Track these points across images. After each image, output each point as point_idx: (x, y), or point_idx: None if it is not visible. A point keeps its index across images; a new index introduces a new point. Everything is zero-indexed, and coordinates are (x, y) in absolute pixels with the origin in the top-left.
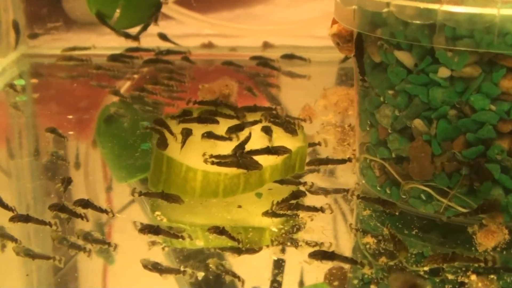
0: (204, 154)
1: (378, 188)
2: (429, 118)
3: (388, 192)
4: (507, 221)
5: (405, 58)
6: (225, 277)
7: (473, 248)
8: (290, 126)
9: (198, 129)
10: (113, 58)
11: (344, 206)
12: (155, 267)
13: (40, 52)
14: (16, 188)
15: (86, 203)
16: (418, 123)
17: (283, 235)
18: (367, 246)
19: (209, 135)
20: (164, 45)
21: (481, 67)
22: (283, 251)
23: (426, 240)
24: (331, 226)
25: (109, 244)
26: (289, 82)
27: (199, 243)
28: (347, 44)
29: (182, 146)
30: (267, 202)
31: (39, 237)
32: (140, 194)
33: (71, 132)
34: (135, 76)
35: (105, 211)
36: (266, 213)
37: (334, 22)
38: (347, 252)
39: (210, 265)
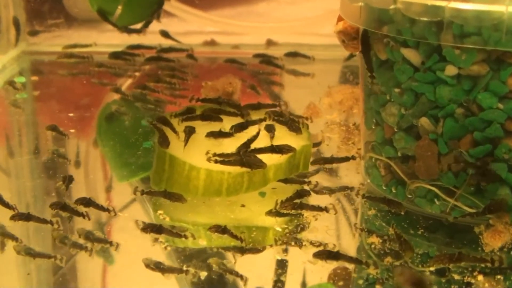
0: (207, 153)
1: (384, 188)
2: (436, 116)
3: (394, 191)
4: None
5: (412, 55)
6: (228, 277)
7: (479, 248)
8: (294, 124)
9: (201, 127)
10: (115, 55)
11: (349, 206)
12: (158, 267)
13: (40, 49)
14: (16, 187)
15: (88, 202)
16: (424, 121)
17: (287, 234)
18: (372, 246)
19: (212, 135)
20: (166, 42)
21: (489, 65)
22: (286, 250)
23: (432, 240)
24: (335, 225)
25: (110, 243)
26: (293, 80)
27: (202, 243)
28: (353, 41)
29: (185, 144)
30: (271, 201)
31: (40, 235)
32: (143, 192)
33: (72, 130)
34: (137, 73)
35: (107, 210)
36: (269, 213)
37: (339, 19)
38: (351, 252)
39: (212, 264)
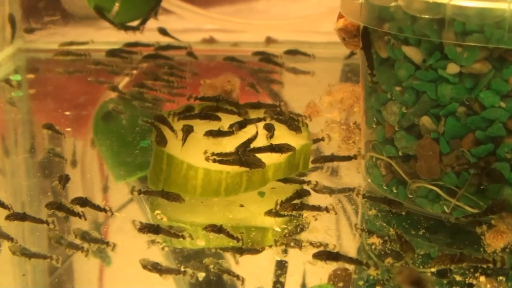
0: (205, 152)
1: (384, 187)
2: (437, 115)
3: (395, 191)
4: None
5: (413, 53)
6: (226, 278)
7: (481, 249)
8: (294, 123)
9: (200, 126)
10: (112, 53)
11: (349, 206)
12: (155, 268)
13: (36, 47)
14: (11, 186)
15: (84, 201)
16: (426, 120)
17: (287, 235)
18: (373, 246)
19: (211, 133)
20: (164, 40)
21: (491, 63)
22: (286, 251)
23: (433, 241)
24: (335, 226)
25: (107, 243)
26: (293, 78)
27: (200, 243)
28: (353, 39)
29: (183, 144)
30: (270, 201)
31: (35, 236)
32: (140, 192)
33: (68, 129)
34: (134, 71)
35: (104, 210)
36: (269, 213)
37: (340, 16)
38: (352, 252)
39: (208, 265)
